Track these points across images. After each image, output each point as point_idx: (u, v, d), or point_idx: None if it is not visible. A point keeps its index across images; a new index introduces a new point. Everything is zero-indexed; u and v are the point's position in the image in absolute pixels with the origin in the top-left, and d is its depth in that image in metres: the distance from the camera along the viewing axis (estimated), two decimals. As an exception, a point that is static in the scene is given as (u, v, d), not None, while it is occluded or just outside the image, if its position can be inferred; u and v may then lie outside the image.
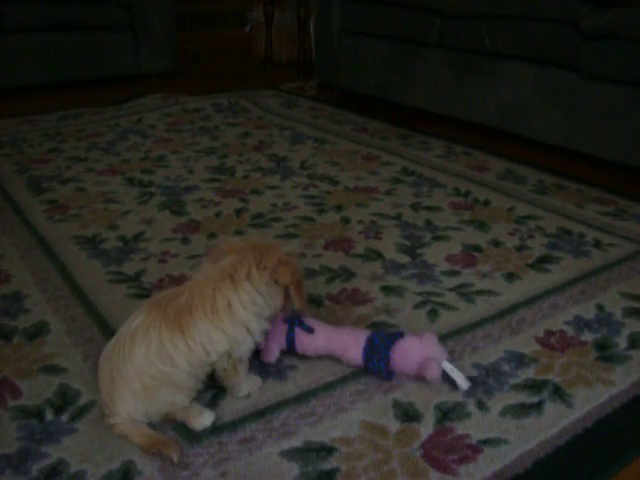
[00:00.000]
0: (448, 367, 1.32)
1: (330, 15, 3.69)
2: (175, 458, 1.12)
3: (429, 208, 2.20)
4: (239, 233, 2.00)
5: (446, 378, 1.32)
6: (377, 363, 1.33)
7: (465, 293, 1.68)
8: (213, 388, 1.31)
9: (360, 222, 2.09)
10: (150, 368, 1.17)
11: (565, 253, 1.90)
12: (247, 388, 1.30)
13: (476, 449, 1.17)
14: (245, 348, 1.25)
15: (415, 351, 1.32)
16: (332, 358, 1.39)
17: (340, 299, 1.65)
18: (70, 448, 1.16)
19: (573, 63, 2.60)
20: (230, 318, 1.21)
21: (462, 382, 1.31)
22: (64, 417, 1.23)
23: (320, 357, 1.39)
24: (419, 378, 1.33)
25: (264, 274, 1.23)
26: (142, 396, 1.18)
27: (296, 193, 2.33)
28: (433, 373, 1.29)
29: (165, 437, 1.17)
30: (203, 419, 1.22)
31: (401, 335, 1.35)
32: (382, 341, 1.34)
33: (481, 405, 1.28)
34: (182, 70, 4.46)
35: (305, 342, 1.38)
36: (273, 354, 1.38)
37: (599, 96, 2.53)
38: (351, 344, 1.36)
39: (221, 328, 1.20)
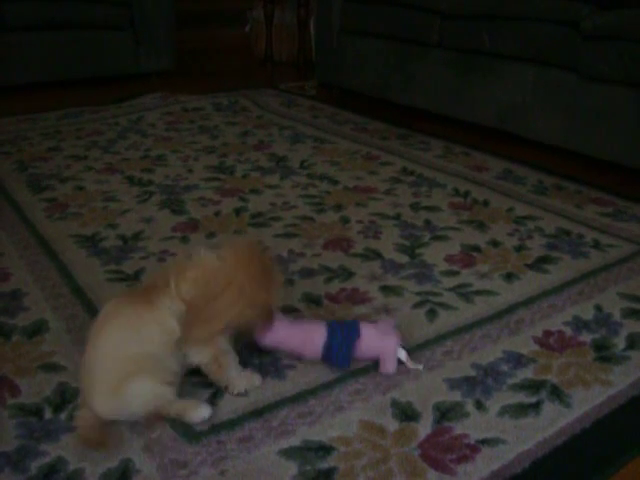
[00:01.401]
0: (403, 356, 1.37)
1: (330, 14, 3.70)
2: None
3: (428, 208, 2.21)
4: (238, 232, 2.00)
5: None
6: (336, 365, 1.36)
7: (464, 293, 1.68)
8: (211, 387, 1.31)
9: (359, 222, 2.10)
10: (127, 350, 1.16)
11: (564, 254, 1.90)
12: (242, 385, 1.29)
13: (474, 449, 1.17)
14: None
15: (372, 344, 1.36)
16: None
17: (339, 299, 1.65)
18: (69, 446, 1.16)
19: (573, 64, 2.60)
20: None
21: (415, 366, 1.37)
22: (63, 415, 1.23)
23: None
24: (417, 378, 1.34)
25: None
26: (121, 388, 1.15)
27: (295, 192, 2.34)
28: (387, 370, 1.35)
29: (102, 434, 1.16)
30: (201, 411, 1.21)
31: (357, 331, 1.35)
32: (340, 349, 1.33)
33: (479, 405, 1.28)
34: (182, 69, 4.46)
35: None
36: None
37: (599, 97, 2.53)
38: (307, 344, 1.36)
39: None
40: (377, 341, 1.36)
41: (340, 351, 1.34)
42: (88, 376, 1.18)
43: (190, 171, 2.53)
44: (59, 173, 2.49)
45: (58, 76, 3.85)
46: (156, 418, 1.18)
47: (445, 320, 1.56)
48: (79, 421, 1.17)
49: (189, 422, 1.21)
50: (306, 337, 1.36)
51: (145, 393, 1.18)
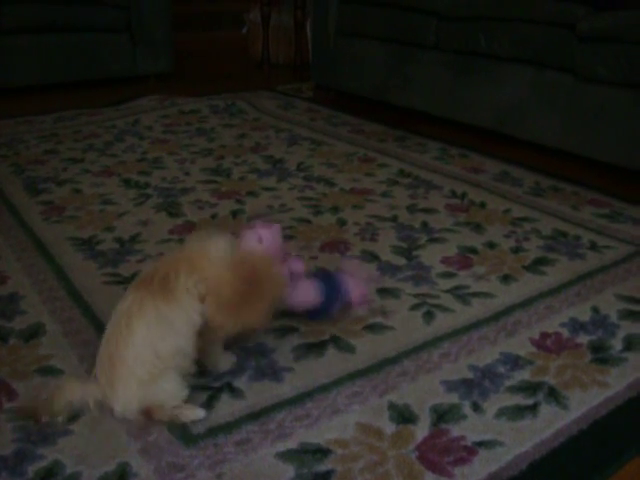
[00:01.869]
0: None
1: (327, 17, 3.70)
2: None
3: (425, 210, 2.21)
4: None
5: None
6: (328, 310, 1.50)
7: (461, 295, 1.68)
8: (209, 389, 1.31)
9: (356, 224, 2.10)
10: (155, 347, 1.17)
11: (561, 255, 1.90)
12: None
13: (471, 451, 1.17)
14: None
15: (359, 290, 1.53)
16: (329, 358, 1.41)
17: (336, 301, 1.65)
18: (66, 450, 1.16)
19: (569, 65, 2.60)
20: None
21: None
22: (60, 419, 1.23)
23: (315, 356, 1.41)
24: (414, 378, 1.35)
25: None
26: (147, 383, 1.18)
27: (292, 195, 2.34)
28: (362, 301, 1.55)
29: None
30: (196, 412, 1.23)
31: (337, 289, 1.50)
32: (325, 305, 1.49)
33: (476, 407, 1.28)
34: (179, 71, 4.46)
35: None
36: None
37: (595, 98, 2.54)
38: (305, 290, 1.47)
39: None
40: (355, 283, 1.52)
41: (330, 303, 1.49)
42: (114, 368, 1.18)
43: (187, 174, 2.53)
44: (56, 176, 2.49)
45: (55, 79, 3.85)
46: (148, 419, 1.20)
47: (442, 322, 1.56)
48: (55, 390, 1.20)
49: (185, 421, 1.22)
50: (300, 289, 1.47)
51: (167, 390, 1.20)
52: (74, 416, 1.23)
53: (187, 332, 1.21)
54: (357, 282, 1.53)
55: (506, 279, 1.76)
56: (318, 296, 1.47)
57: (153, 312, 1.18)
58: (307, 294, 1.47)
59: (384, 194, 2.35)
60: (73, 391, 1.20)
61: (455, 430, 1.22)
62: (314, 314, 1.51)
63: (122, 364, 1.18)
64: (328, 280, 1.51)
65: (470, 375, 1.37)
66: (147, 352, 1.18)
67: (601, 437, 1.22)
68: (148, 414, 1.20)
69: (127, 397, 1.19)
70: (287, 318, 1.55)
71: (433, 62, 3.15)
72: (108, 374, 1.19)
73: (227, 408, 1.27)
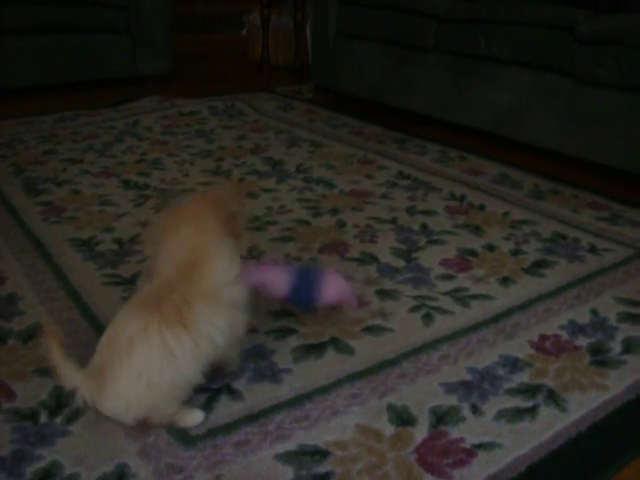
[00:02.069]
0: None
1: (326, 19, 3.70)
2: None
3: (424, 212, 2.21)
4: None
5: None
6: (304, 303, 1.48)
7: (460, 297, 1.68)
8: (207, 391, 1.31)
9: (355, 226, 2.10)
10: (151, 374, 1.15)
11: (560, 258, 1.90)
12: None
13: (470, 453, 1.17)
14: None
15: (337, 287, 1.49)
16: (328, 360, 1.40)
17: (335, 302, 1.64)
18: (64, 450, 1.16)
19: (569, 68, 2.61)
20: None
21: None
22: (58, 419, 1.23)
23: (315, 357, 1.41)
24: (414, 380, 1.35)
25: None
26: (137, 405, 1.16)
27: (292, 196, 2.34)
28: (354, 305, 1.54)
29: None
30: (196, 416, 1.22)
31: (318, 277, 1.47)
32: (303, 293, 1.46)
33: (475, 409, 1.28)
34: (178, 73, 4.46)
35: None
36: None
37: (595, 101, 2.54)
38: (269, 284, 1.45)
39: (220, 306, 1.21)
40: (338, 282, 1.49)
41: (303, 295, 1.45)
42: (104, 383, 1.16)
43: (186, 175, 2.53)
44: (55, 176, 2.49)
45: (55, 79, 3.84)
46: (146, 423, 1.19)
47: (441, 324, 1.56)
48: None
49: (184, 427, 1.21)
50: (269, 279, 1.45)
51: (158, 410, 1.19)
52: (72, 416, 1.23)
53: (194, 362, 1.19)
54: (336, 279, 1.50)
55: (505, 281, 1.76)
56: (286, 285, 1.44)
57: (157, 341, 1.15)
58: (275, 281, 1.45)
59: (383, 196, 2.35)
60: (68, 377, 1.18)
61: (454, 432, 1.22)
62: (297, 303, 1.50)
63: (113, 383, 1.16)
64: (302, 273, 1.48)
65: (469, 377, 1.37)
66: (141, 380, 1.15)
67: (600, 440, 1.22)
68: (146, 422, 1.19)
69: (116, 412, 1.18)
70: (286, 319, 1.55)
71: (432, 64, 3.16)
72: (98, 386, 1.17)
73: (226, 409, 1.27)
